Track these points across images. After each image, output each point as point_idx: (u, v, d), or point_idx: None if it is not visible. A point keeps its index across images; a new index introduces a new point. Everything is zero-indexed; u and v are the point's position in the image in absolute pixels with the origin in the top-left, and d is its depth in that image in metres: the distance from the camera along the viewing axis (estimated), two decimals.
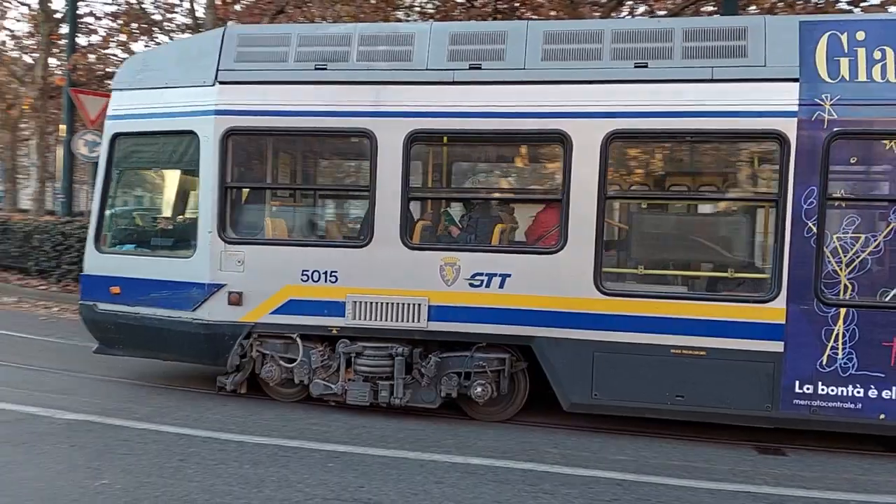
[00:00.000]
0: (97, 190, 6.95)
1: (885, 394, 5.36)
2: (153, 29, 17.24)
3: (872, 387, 5.37)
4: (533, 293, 5.84)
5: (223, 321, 6.32)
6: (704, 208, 6.95)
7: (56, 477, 4.63)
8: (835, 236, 5.38)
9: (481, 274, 5.90)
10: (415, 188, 6.35)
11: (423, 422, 6.21)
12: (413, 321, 6.00)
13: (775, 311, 5.47)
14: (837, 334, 5.39)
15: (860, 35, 5.41)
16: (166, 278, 6.53)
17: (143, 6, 15.63)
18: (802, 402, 5.48)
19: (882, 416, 5.38)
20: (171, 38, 17.30)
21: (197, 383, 7.03)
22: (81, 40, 17.41)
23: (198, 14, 14.31)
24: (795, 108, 5.41)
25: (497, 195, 7.22)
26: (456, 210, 7.08)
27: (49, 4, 17.65)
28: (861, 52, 5.38)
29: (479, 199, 6.83)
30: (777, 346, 5.47)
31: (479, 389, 5.99)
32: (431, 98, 6.00)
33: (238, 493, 4.51)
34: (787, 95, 5.43)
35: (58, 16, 18.20)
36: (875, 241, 5.33)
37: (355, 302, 6.10)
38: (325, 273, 6.14)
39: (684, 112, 5.61)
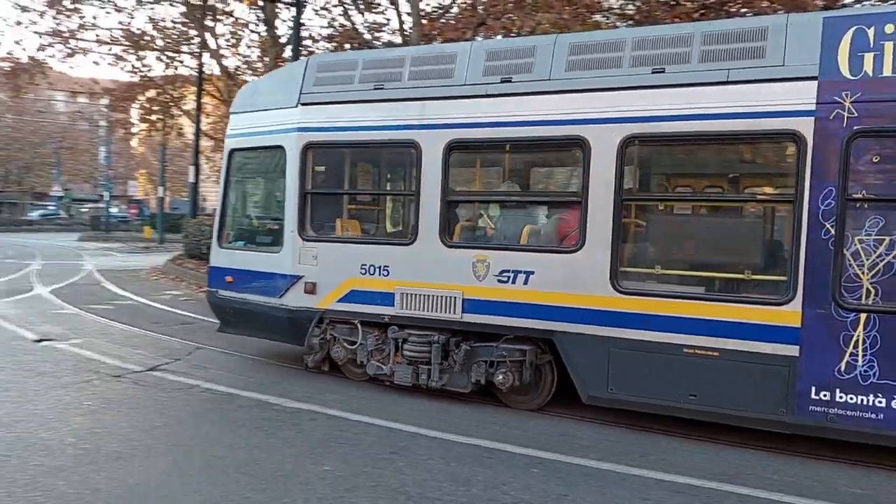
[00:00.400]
0: (219, 196, 8.36)
1: None
2: (364, 48, 18.45)
3: None
4: (554, 290, 6.17)
5: (301, 307, 7.34)
6: (721, 209, 6.83)
7: (286, 460, 5.07)
8: (856, 238, 5.16)
9: (508, 271, 6.34)
10: (453, 192, 6.80)
11: (624, 432, 6.04)
12: (450, 312, 6.57)
13: (791, 314, 5.35)
14: (857, 340, 5.15)
15: (889, 28, 5.11)
16: (262, 270, 7.70)
17: (356, 27, 16.75)
18: (819, 409, 5.30)
19: None
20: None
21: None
22: None
23: (406, 28, 15.06)
24: (813, 107, 5.28)
25: (523, 198, 7.58)
26: (493, 212, 7.53)
27: (275, 31, 19.57)
28: (889, 46, 5.09)
29: (510, 202, 7.42)
30: (792, 350, 5.35)
31: (500, 377, 6.40)
32: (468, 110, 6.55)
33: (447, 489, 4.65)
34: (805, 94, 5.31)
35: (282, 40, 20.15)
36: None
37: (402, 293, 6.82)
38: (379, 267, 6.93)
39: (698, 115, 5.65)
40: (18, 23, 20.12)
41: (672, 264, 6.36)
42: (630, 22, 13.08)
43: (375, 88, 6.99)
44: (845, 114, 5.17)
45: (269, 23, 18.88)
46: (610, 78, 6.00)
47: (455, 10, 15.89)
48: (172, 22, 22.78)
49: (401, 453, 5.29)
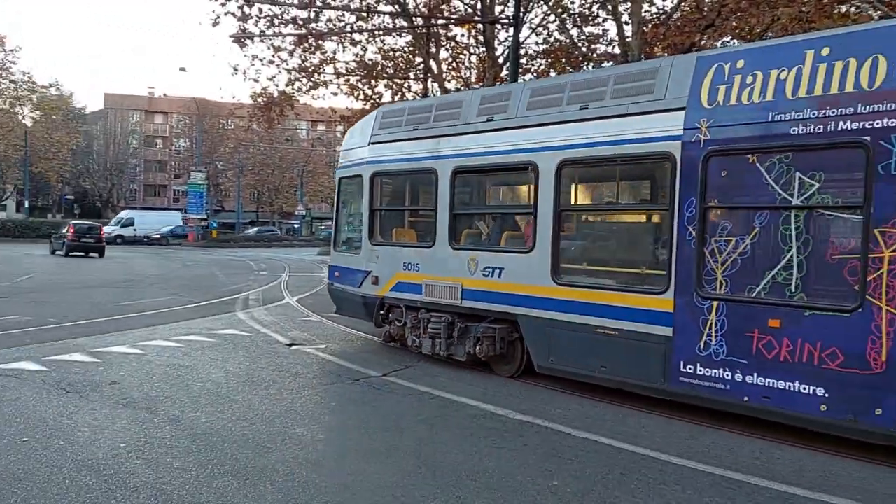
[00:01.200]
0: (333, 213, 11.54)
1: (748, 379, 6.05)
2: (581, 62, 18.38)
3: (738, 371, 6.10)
4: (516, 282, 7.88)
5: (370, 294, 9.70)
6: (623, 218, 8.48)
7: (514, 471, 5.13)
8: (712, 239, 6.31)
9: (489, 267, 8.16)
10: (457, 206, 8.74)
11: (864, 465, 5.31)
12: (454, 299, 8.52)
13: (667, 301, 6.58)
14: (711, 323, 6.23)
15: (740, 63, 6.24)
16: (351, 266, 10.27)
17: (574, 40, 16.71)
18: (686, 380, 6.45)
19: (745, 399, 6.08)
20: (596, 68, 18.23)
21: (622, 398, 7.14)
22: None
23: (627, 36, 14.74)
24: (681, 132, 6.50)
25: (498, 210, 9.83)
26: (484, 222, 9.39)
27: (494, 52, 20.17)
28: (738, 78, 6.20)
29: (494, 214, 9.62)
30: (668, 332, 6.58)
31: (479, 348, 8.17)
32: (467, 143, 8.49)
33: None
34: (676, 122, 6.52)
35: (500, 60, 20.70)
36: (744, 243, 6.11)
37: (426, 284, 8.85)
38: (414, 264, 9.05)
39: (607, 141, 7.09)
40: (271, 61, 22.43)
41: (593, 262, 8.15)
42: (886, 10, 11.59)
43: (413, 129, 9.17)
44: (702, 137, 6.31)
45: (489, 44, 19.50)
46: (553, 114, 7.61)
47: (677, 14, 15.22)
48: (402, 51, 24.43)
49: (631, 475, 5.11)
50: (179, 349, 9.54)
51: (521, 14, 16.78)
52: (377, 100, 24.99)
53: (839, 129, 5.53)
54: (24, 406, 6.44)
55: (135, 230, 50.11)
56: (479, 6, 19.62)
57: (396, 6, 19.69)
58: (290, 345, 10.20)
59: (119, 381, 7.50)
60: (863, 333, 5.43)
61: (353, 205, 10.93)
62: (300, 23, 19.62)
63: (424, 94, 23.05)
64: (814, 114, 5.67)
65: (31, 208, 61.85)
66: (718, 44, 16.03)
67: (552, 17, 20.05)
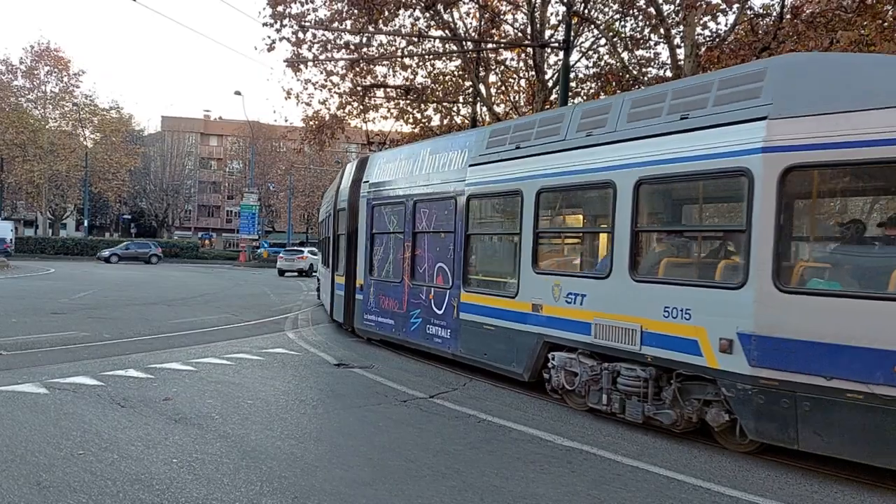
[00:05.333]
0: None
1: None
2: (633, 85, 18.27)
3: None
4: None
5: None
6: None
7: (562, 498, 5.04)
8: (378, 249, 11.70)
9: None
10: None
11: None
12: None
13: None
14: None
15: (385, 157, 12.24)
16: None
17: (625, 63, 16.64)
18: None
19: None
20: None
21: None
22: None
23: (679, 59, 14.61)
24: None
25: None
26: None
27: (544, 75, 20.21)
28: (384, 164, 11.98)
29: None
30: None
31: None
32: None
33: None
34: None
35: (549, 84, 20.74)
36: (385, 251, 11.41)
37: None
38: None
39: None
40: (323, 85, 22.92)
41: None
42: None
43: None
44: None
45: (538, 68, 19.56)
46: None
47: (732, 37, 15.03)
48: (451, 75, 24.67)
49: None
50: (230, 367, 9.70)
51: (572, 38, 16.79)
52: (426, 123, 25.27)
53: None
54: (80, 419, 6.62)
55: None
56: (529, 30, 19.72)
57: (447, 31, 19.93)
58: (338, 365, 10.27)
59: (171, 397, 7.65)
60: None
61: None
62: (352, 47, 20.03)
63: (473, 118, 23.24)
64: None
65: (90, 227, 64.10)
66: None
67: (603, 41, 20.06)
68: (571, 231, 9.23)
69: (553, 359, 7.99)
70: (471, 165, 9.53)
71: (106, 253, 46.03)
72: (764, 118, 5.95)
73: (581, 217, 9.16)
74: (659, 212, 7.69)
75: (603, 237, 7.82)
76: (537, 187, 8.24)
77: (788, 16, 11.82)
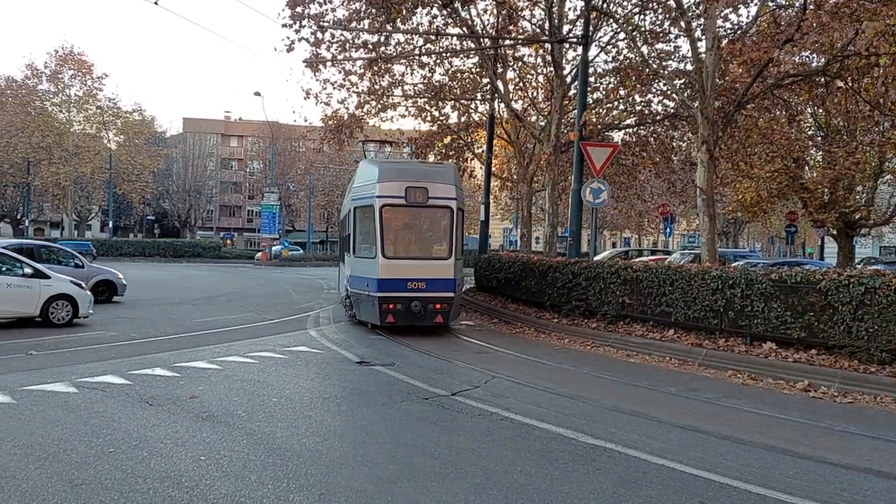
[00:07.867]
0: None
1: None
2: (652, 79, 18.13)
3: None
4: None
5: None
6: None
7: (587, 495, 5.03)
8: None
9: None
10: None
11: None
12: None
13: None
14: None
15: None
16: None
17: (644, 57, 16.51)
18: None
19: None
20: (667, 86, 17.96)
21: (706, 422, 6.92)
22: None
23: (700, 52, 14.45)
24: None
25: None
26: None
27: (562, 71, 20.12)
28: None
29: None
30: None
31: None
32: None
33: None
34: None
35: (568, 79, 20.65)
36: None
37: None
38: None
39: None
40: (342, 85, 23.00)
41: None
42: None
43: None
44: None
45: (556, 63, 19.48)
46: None
47: (754, 29, 14.85)
48: (469, 72, 24.63)
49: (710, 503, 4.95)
50: (255, 365, 9.80)
51: (591, 32, 16.70)
52: (444, 121, 25.26)
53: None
54: (110, 418, 6.73)
55: None
56: (546, 26, 19.65)
57: (464, 28, 19.91)
58: (360, 362, 10.33)
59: (198, 396, 7.75)
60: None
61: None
62: (370, 47, 20.08)
63: (491, 115, 23.22)
64: None
65: (115, 228, 64.92)
66: (796, 59, 15.58)
67: (622, 35, 19.93)
68: None
69: None
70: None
71: None
72: None
73: None
74: None
75: None
76: None
77: (812, 6, 11.62)
